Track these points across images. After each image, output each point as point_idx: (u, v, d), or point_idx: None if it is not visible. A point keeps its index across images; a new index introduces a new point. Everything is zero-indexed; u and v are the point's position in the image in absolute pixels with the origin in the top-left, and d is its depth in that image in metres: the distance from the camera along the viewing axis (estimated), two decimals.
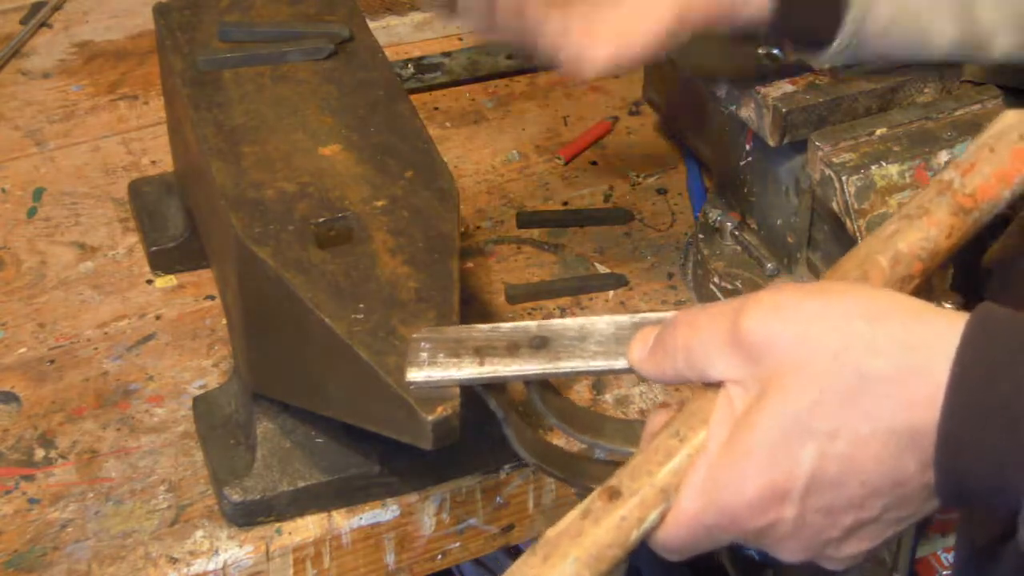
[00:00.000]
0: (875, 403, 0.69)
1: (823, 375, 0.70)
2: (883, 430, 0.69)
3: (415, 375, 0.84)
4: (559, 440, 1.01)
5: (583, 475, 0.90)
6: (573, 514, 0.73)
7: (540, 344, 0.84)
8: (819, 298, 0.72)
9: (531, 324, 0.85)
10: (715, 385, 0.74)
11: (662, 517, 0.73)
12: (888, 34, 1.01)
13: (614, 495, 0.73)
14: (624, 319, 0.84)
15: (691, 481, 0.73)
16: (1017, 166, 0.81)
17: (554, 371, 0.83)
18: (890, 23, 1.01)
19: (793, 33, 1.03)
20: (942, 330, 0.69)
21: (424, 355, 0.85)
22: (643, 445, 0.76)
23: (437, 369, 0.84)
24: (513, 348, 0.84)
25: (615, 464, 0.88)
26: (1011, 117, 0.82)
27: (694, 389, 0.76)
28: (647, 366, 0.78)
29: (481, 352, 0.84)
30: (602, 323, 0.84)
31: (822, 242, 1.08)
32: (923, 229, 0.79)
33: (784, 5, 0.98)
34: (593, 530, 0.72)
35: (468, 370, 0.84)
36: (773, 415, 0.70)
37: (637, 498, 0.72)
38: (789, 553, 0.74)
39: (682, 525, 0.73)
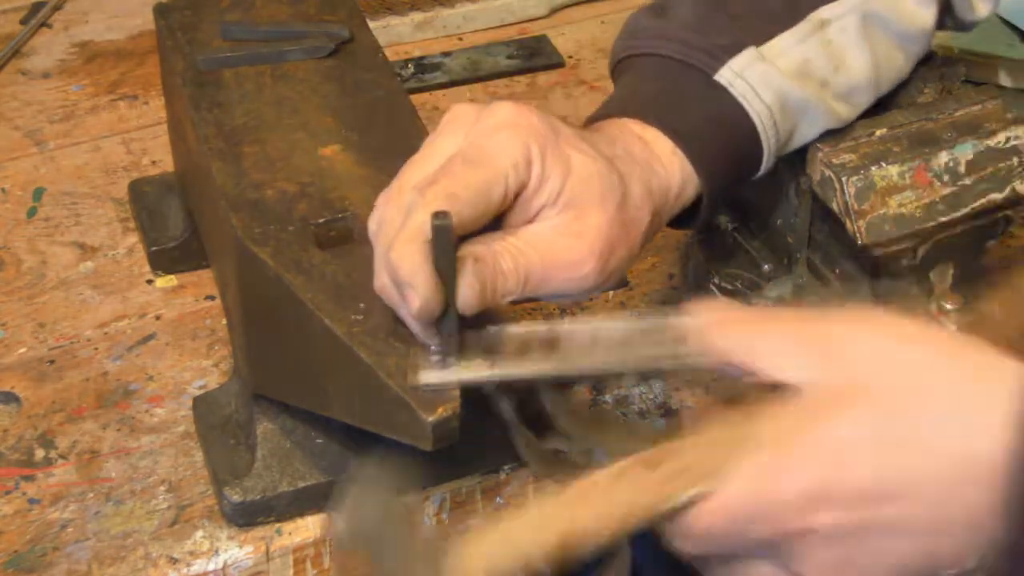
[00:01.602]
0: (940, 425, 0.69)
1: (899, 390, 0.70)
2: (942, 455, 0.69)
3: (427, 376, 0.84)
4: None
5: None
6: (605, 472, 0.72)
7: (550, 346, 0.84)
8: (904, 322, 0.73)
9: (541, 326, 0.85)
10: (778, 388, 0.73)
11: (693, 501, 0.72)
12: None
13: (654, 464, 0.72)
14: (633, 324, 0.84)
15: (742, 467, 0.72)
16: None
17: (564, 372, 0.83)
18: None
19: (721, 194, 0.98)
20: (1016, 369, 0.69)
21: (434, 357, 0.85)
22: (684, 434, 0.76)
23: (448, 371, 0.84)
24: (523, 349, 0.84)
25: None
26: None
27: (754, 392, 0.75)
28: (719, 329, 0.76)
29: (491, 353, 0.84)
30: (611, 326, 0.84)
31: (822, 242, 1.08)
32: None
33: (709, 182, 0.94)
34: (623, 489, 0.71)
35: (479, 371, 0.84)
36: (843, 420, 0.70)
37: (676, 472, 0.72)
38: (815, 568, 0.72)
39: (722, 510, 0.72)
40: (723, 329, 0.77)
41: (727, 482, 0.72)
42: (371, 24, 1.17)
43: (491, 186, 0.82)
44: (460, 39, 1.51)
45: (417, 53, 1.48)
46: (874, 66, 1.00)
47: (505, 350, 0.84)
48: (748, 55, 0.95)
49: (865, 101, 1.02)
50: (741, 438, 0.73)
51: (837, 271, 1.07)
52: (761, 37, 0.97)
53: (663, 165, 0.92)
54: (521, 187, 0.84)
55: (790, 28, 0.98)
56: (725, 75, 0.95)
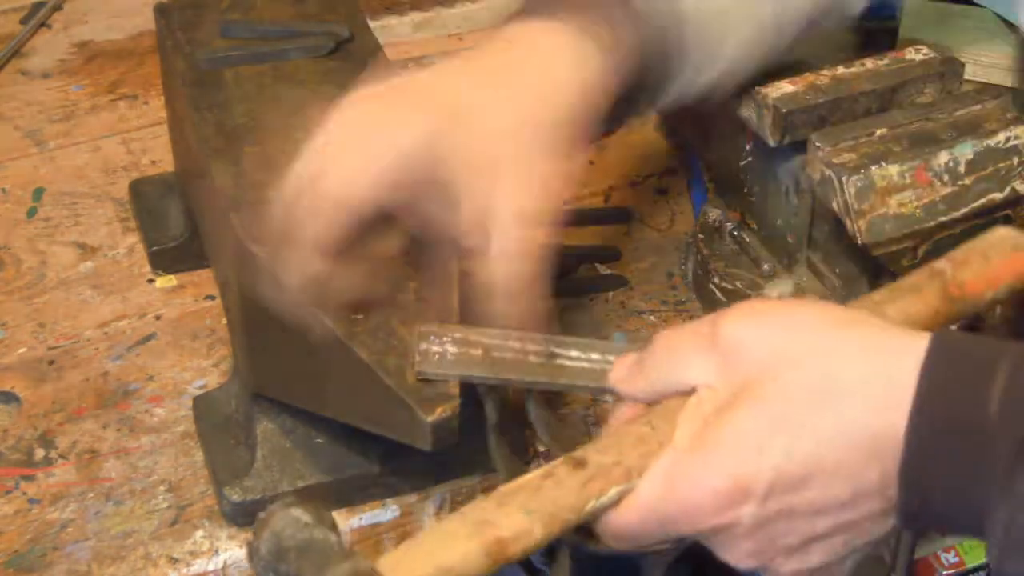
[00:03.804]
0: (842, 406, 0.70)
1: (794, 378, 0.71)
2: (848, 434, 0.70)
3: (425, 367, 0.84)
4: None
5: None
6: (534, 474, 0.73)
7: (548, 356, 0.84)
8: (792, 308, 0.74)
9: (539, 336, 0.86)
10: (689, 392, 0.75)
11: (620, 497, 0.73)
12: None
13: (579, 464, 0.73)
14: (631, 346, 0.85)
15: (655, 469, 0.73)
16: (1003, 274, 0.85)
17: (558, 384, 0.84)
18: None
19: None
20: (909, 342, 0.70)
21: (434, 348, 0.85)
22: (609, 431, 0.77)
23: (447, 364, 0.84)
24: (521, 355, 0.84)
25: None
26: (1003, 231, 0.87)
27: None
28: (626, 384, 0.78)
29: (490, 354, 0.84)
30: (609, 345, 0.85)
31: (822, 242, 1.08)
32: (912, 303, 0.82)
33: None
34: (553, 489, 0.72)
35: (477, 369, 0.84)
36: (745, 415, 0.71)
37: (602, 471, 0.73)
38: (739, 556, 0.73)
39: (636, 511, 0.73)
40: (631, 379, 0.78)
41: (643, 483, 0.73)
42: (371, 24, 1.17)
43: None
44: (460, 39, 1.51)
45: (417, 53, 1.48)
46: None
47: (503, 353, 0.85)
48: None
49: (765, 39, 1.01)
50: (659, 437, 0.74)
51: (837, 271, 1.07)
52: None
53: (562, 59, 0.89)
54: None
55: None
56: None
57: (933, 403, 0.68)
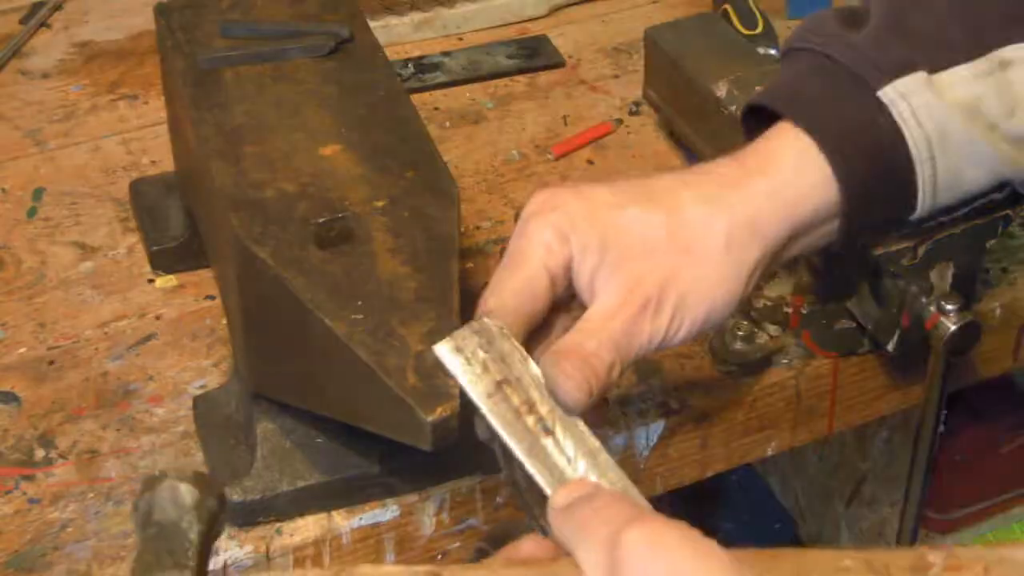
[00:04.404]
0: None
1: None
2: None
3: (442, 349, 0.80)
4: None
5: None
6: None
7: (543, 431, 0.79)
8: (703, 555, 0.69)
9: (560, 407, 0.79)
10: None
11: None
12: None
13: None
14: (630, 488, 0.78)
15: None
16: None
17: (525, 462, 0.78)
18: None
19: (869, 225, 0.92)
20: None
21: (471, 343, 0.80)
22: (496, 559, 0.74)
23: (460, 363, 0.80)
24: (526, 409, 0.79)
25: None
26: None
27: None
28: (558, 518, 0.74)
29: (500, 387, 0.79)
30: (605, 464, 0.78)
31: None
32: None
33: (848, 192, 0.88)
34: None
35: (476, 389, 0.79)
36: None
37: None
38: None
39: None
40: (562, 515, 0.73)
41: None
42: (371, 24, 1.17)
43: (532, 281, 0.82)
44: (460, 39, 1.52)
45: (417, 53, 1.48)
46: None
47: (511, 395, 0.79)
48: (916, 78, 0.89)
49: None
50: None
51: (837, 271, 1.07)
52: (936, 63, 0.90)
53: (790, 182, 0.87)
54: (566, 264, 0.83)
55: (968, 62, 0.90)
56: (888, 93, 0.89)
57: None
